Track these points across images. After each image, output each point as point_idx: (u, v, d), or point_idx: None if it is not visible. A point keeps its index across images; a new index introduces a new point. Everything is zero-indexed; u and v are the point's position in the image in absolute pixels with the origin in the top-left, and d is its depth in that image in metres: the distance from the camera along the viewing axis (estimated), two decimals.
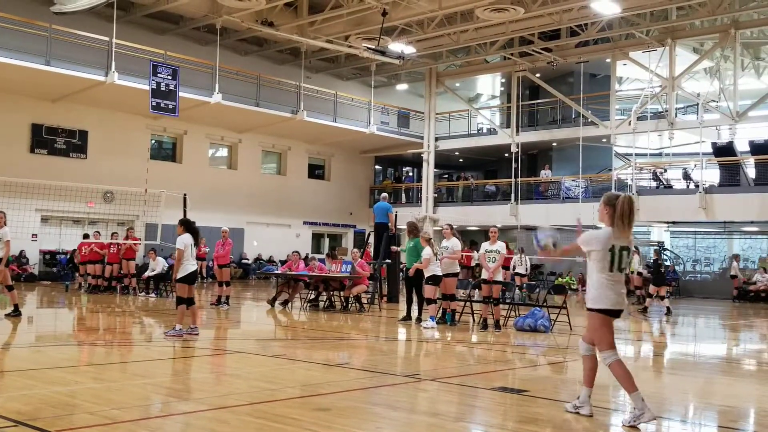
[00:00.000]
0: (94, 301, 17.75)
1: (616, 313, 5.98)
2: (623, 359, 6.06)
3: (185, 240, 10.89)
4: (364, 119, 32.52)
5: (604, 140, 30.20)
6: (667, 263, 18.63)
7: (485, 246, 13.16)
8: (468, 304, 14.74)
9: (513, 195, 31.23)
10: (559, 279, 28.62)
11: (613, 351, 5.89)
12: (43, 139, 25.84)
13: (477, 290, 14.49)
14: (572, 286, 26.90)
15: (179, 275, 10.81)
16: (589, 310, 6.03)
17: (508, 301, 14.69)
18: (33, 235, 24.60)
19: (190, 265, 10.87)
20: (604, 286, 5.92)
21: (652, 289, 19.28)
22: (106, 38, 23.99)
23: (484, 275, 13.12)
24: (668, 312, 18.40)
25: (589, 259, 6.02)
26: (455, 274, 13.66)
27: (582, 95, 29.81)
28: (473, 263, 23.39)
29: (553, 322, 13.08)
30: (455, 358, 10.22)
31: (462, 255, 14.35)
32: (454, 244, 13.52)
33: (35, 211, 24.01)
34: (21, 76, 23.10)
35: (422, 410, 6.68)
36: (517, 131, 31.91)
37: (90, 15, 23.36)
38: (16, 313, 12.73)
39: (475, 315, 14.34)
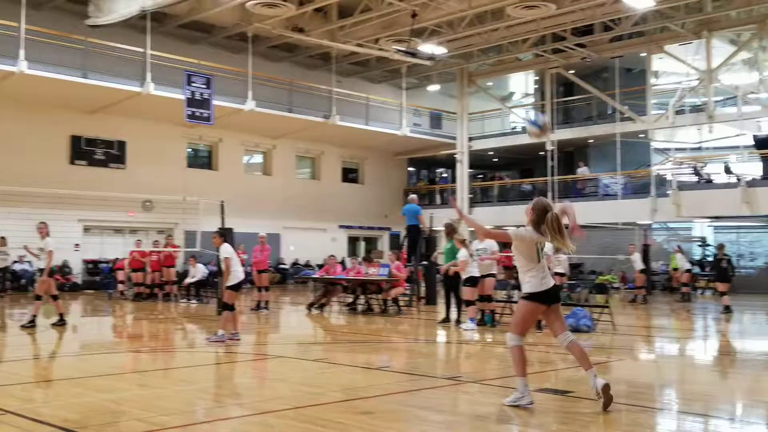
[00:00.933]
0: (137, 309, 18.00)
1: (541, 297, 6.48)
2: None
3: (228, 249, 11.03)
4: (396, 121, 32.51)
5: (641, 135, 29.75)
6: (730, 259, 17.86)
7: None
8: (508, 305, 14.65)
9: (550, 193, 30.95)
10: (601, 277, 28.26)
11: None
12: (83, 150, 26.27)
13: (517, 291, 14.37)
14: (614, 284, 26.56)
15: (230, 283, 10.94)
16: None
17: None
18: (75, 244, 25.03)
19: (240, 273, 11.03)
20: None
21: (720, 286, 18.03)
22: (141, 49, 24.34)
23: None
24: (727, 310, 17.16)
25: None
26: (493, 275, 13.62)
27: (618, 90, 29.41)
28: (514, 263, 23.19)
29: (595, 322, 12.92)
30: (496, 360, 10.15)
31: (501, 256, 14.24)
32: (490, 245, 13.40)
33: (77, 222, 24.46)
34: (59, 89, 23.53)
35: (465, 412, 6.65)
36: (552, 129, 31.63)
37: (124, 27, 23.72)
38: (61, 323, 12.97)
39: None
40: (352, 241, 35.24)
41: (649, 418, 6.03)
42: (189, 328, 14.55)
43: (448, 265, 13.95)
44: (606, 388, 6.13)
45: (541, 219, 6.44)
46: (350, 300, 17.39)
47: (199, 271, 20.13)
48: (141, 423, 5.80)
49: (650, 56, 28.95)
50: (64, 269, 25.24)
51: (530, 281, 6.52)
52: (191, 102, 24.65)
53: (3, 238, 20.81)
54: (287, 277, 31.04)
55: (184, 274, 21.36)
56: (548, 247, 12.88)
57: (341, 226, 34.14)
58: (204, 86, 24.96)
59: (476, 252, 13.52)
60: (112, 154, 26.96)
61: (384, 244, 35.17)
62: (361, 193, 35.29)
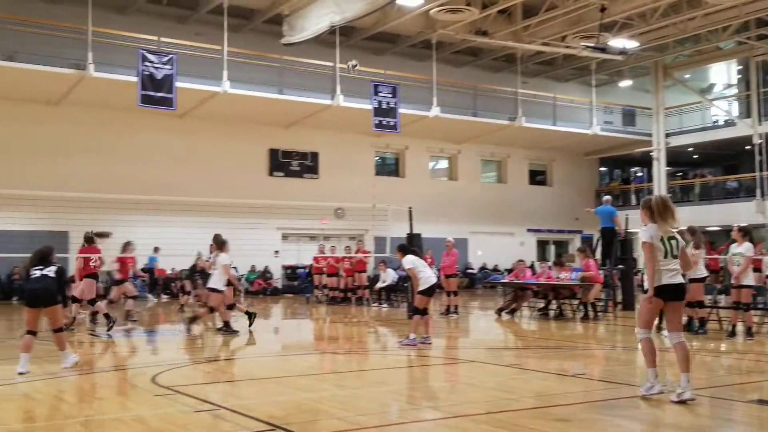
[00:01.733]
0: (332, 312, 18.72)
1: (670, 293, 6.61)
2: None
3: (411, 259, 11.15)
4: (585, 120, 31.50)
5: None
6: None
7: (732, 248, 12.08)
8: (714, 310, 13.65)
9: (759, 190, 28.60)
10: None
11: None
12: (280, 162, 27.88)
13: (724, 296, 13.38)
14: None
15: (421, 287, 11.02)
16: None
17: (760, 306, 13.39)
18: (275, 251, 26.53)
19: (432, 278, 11.11)
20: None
21: None
22: (331, 63, 25.39)
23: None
24: None
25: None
26: (701, 279, 12.18)
27: None
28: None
29: None
30: (704, 369, 9.46)
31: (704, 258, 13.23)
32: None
33: (276, 230, 25.90)
34: (258, 106, 25.11)
35: (669, 423, 6.24)
36: (759, 121, 29.22)
37: (315, 43, 24.83)
38: (228, 330, 12.93)
39: (722, 322, 13.24)
40: (542, 245, 34.55)
41: None
42: (381, 331, 14.90)
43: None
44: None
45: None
46: (541, 305, 17.02)
47: (389, 276, 20.57)
48: (340, 422, 5.98)
49: None
50: (265, 274, 26.86)
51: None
52: (378, 111, 25.36)
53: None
54: (475, 282, 30.99)
55: (375, 279, 21.94)
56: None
57: (529, 230, 33.60)
58: (390, 95, 25.58)
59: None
60: (306, 164, 28.40)
61: (575, 247, 34.14)
62: (550, 195, 34.53)
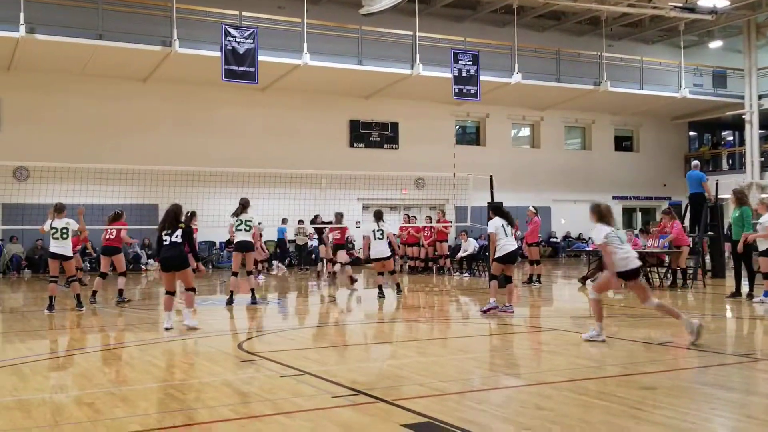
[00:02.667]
0: (413, 281, 18.82)
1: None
2: None
3: (495, 223, 11.20)
4: (674, 83, 30.38)
5: None
6: None
7: None
8: None
9: None
10: None
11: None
12: (360, 133, 28.03)
13: None
14: None
15: (496, 254, 11.13)
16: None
17: None
18: (356, 222, 26.79)
19: (508, 245, 11.12)
20: None
21: None
22: (410, 32, 25.24)
23: None
24: None
25: None
26: None
27: None
28: None
29: None
30: None
31: None
32: None
33: (357, 201, 26.12)
34: (338, 77, 25.24)
35: (762, 392, 6.05)
36: None
37: (394, 12, 24.70)
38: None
39: None
40: (628, 213, 33.76)
41: None
42: (462, 300, 14.90)
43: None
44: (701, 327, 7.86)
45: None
46: None
47: (470, 245, 20.53)
48: (422, 388, 6.04)
49: None
50: (347, 245, 27.13)
51: None
52: (458, 79, 25.11)
53: (301, 220, 22.79)
54: (559, 251, 30.57)
55: (456, 249, 21.91)
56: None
57: (615, 197, 32.82)
58: (470, 63, 25.28)
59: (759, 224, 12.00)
60: (386, 135, 28.45)
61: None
62: (637, 161, 33.62)
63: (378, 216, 14.01)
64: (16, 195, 21.90)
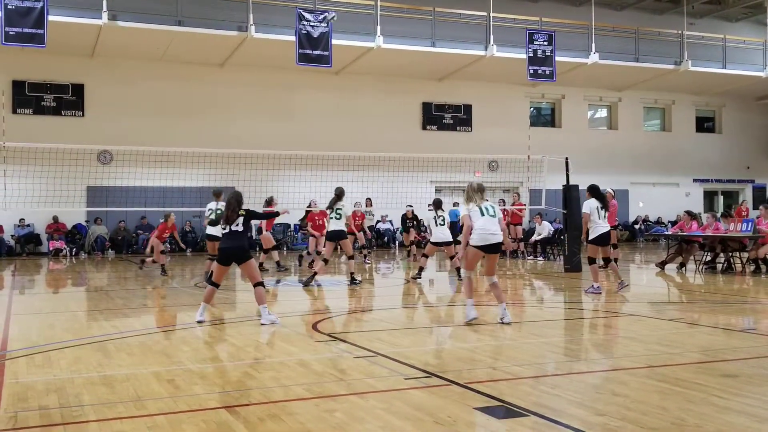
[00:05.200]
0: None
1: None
2: None
3: (590, 204, 11.59)
4: (759, 62, 29.17)
5: None
6: None
7: None
8: None
9: None
10: None
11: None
12: (433, 115, 27.93)
13: None
14: None
15: (590, 237, 11.50)
16: None
17: None
18: (429, 205, 26.72)
19: (600, 227, 11.45)
20: None
21: None
22: (484, 13, 24.93)
23: None
24: None
25: None
26: None
27: None
28: None
29: None
30: None
31: None
32: None
33: (429, 183, 26.07)
34: (411, 59, 25.15)
35: None
36: None
37: None
38: (418, 276, 14.12)
39: None
40: (709, 196, 32.70)
41: None
42: (536, 284, 14.74)
43: None
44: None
45: None
46: (708, 258, 16.16)
47: (545, 229, 20.26)
48: (495, 371, 6.02)
49: None
50: (419, 227, 27.11)
51: None
52: (533, 60, 24.74)
53: (369, 199, 22.93)
54: (637, 235, 29.88)
55: (530, 232, 21.65)
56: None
57: (696, 180, 31.88)
58: (546, 43, 24.85)
59: None
60: (459, 117, 28.26)
61: (747, 198, 32.05)
62: (719, 143, 32.51)
63: (437, 204, 14.42)
64: (101, 178, 22.70)
